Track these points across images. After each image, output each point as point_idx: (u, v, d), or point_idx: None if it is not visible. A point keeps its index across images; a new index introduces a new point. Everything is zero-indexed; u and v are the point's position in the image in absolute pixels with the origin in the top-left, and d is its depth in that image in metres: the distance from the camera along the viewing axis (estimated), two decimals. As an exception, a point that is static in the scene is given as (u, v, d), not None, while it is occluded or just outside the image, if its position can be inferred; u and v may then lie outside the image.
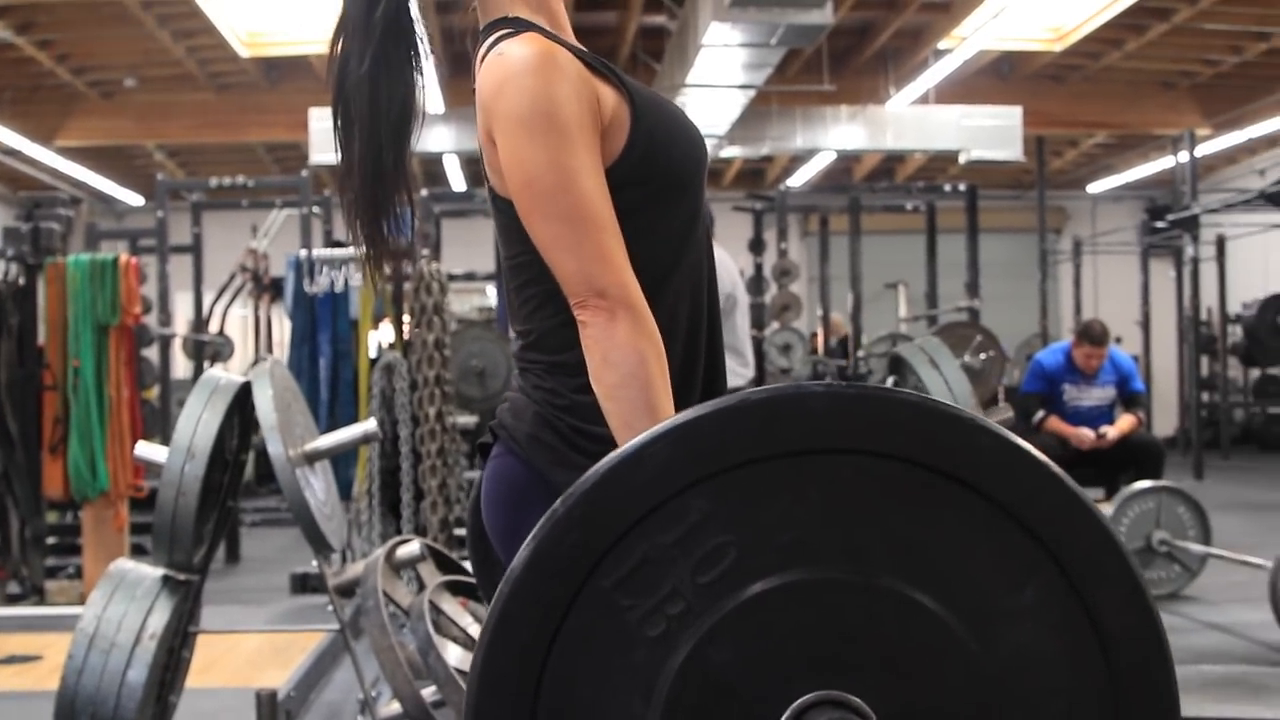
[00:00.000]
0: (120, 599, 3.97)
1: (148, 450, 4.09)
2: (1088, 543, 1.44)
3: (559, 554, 1.44)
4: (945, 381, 4.02)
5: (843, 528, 1.44)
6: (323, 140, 13.39)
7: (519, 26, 2.00)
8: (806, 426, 1.43)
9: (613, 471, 1.45)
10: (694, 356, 2.07)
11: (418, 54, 2.06)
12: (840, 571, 1.44)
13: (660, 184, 2.01)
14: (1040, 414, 8.49)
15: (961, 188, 11.93)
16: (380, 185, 2.03)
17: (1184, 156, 13.71)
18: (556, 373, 2.01)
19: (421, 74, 2.06)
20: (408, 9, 2.05)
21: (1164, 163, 16.15)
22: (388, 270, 2.13)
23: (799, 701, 1.44)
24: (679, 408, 1.88)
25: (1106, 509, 7.27)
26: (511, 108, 1.90)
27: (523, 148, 1.89)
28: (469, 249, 14.02)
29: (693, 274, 2.07)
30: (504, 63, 1.93)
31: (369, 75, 2.01)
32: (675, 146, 2.04)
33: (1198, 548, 6.99)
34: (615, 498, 1.45)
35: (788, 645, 1.45)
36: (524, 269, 2.03)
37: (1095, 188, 19.80)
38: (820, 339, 13.16)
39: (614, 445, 1.95)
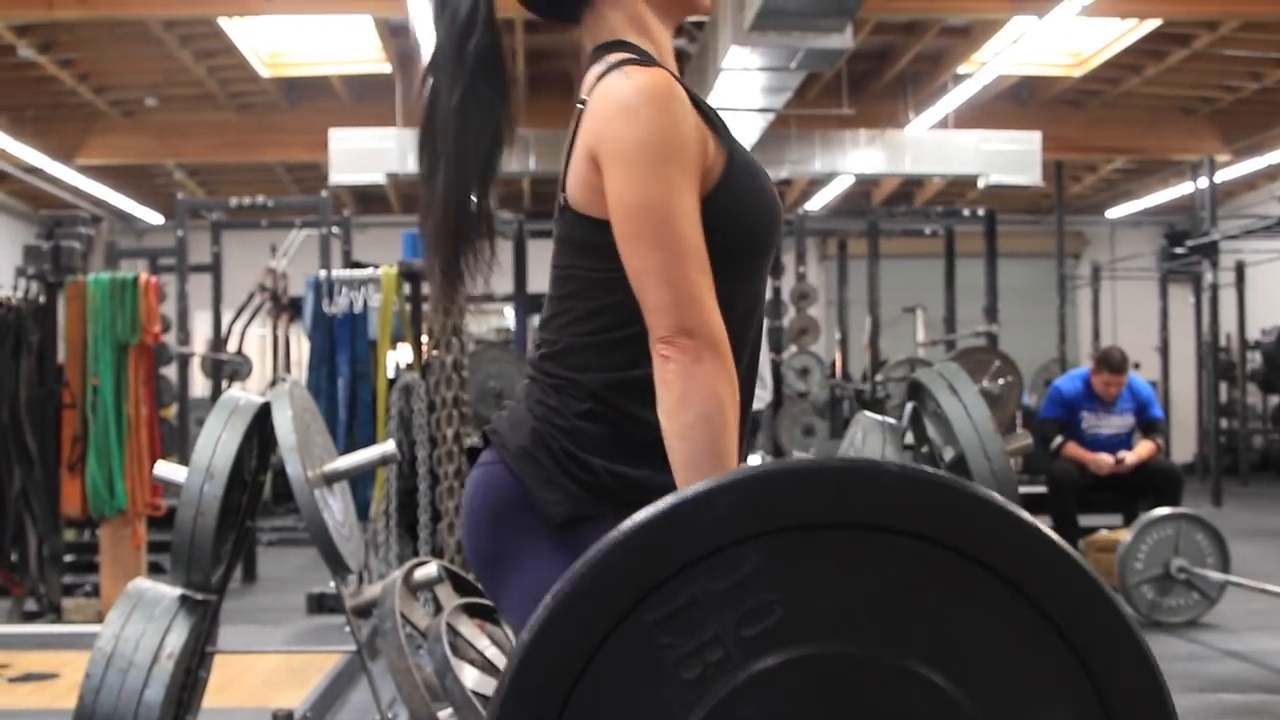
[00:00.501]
0: (138, 618, 3.98)
1: (167, 470, 4.10)
2: (1130, 677, 1.43)
3: (608, 579, 1.44)
4: (964, 408, 4.00)
5: (888, 608, 1.43)
6: (342, 160, 13.44)
7: (637, 53, 2.02)
8: (874, 502, 1.43)
9: (677, 510, 1.44)
10: (745, 398, 2.06)
11: (507, 89, 2.07)
12: (882, 652, 1.44)
13: (736, 239, 2.00)
14: (1059, 440, 8.48)
15: (980, 212, 11.93)
16: (462, 219, 2.05)
17: (1203, 182, 13.70)
18: (564, 392, 2.01)
19: (510, 109, 2.07)
20: (499, 45, 2.07)
21: (1183, 188, 16.13)
22: (461, 303, 2.17)
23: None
24: None
25: (1124, 536, 7.25)
26: (632, 134, 1.90)
27: (638, 174, 1.89)
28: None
29: (753, 328, 2.08)
30: (628, 87, 1.93)
31: (458, 109, 2.02)
32: (759, 208, 2.04)
33: (1216, 575, 6.97)
34: (674, 535, 1.44)
35: (816, 715, 1.44)
36: (573, 281, 2.03)
37: (1114, 213, 19.77)
38: (839, 363, 13.14)
39: (605, 475, 1.97)
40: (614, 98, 1.94)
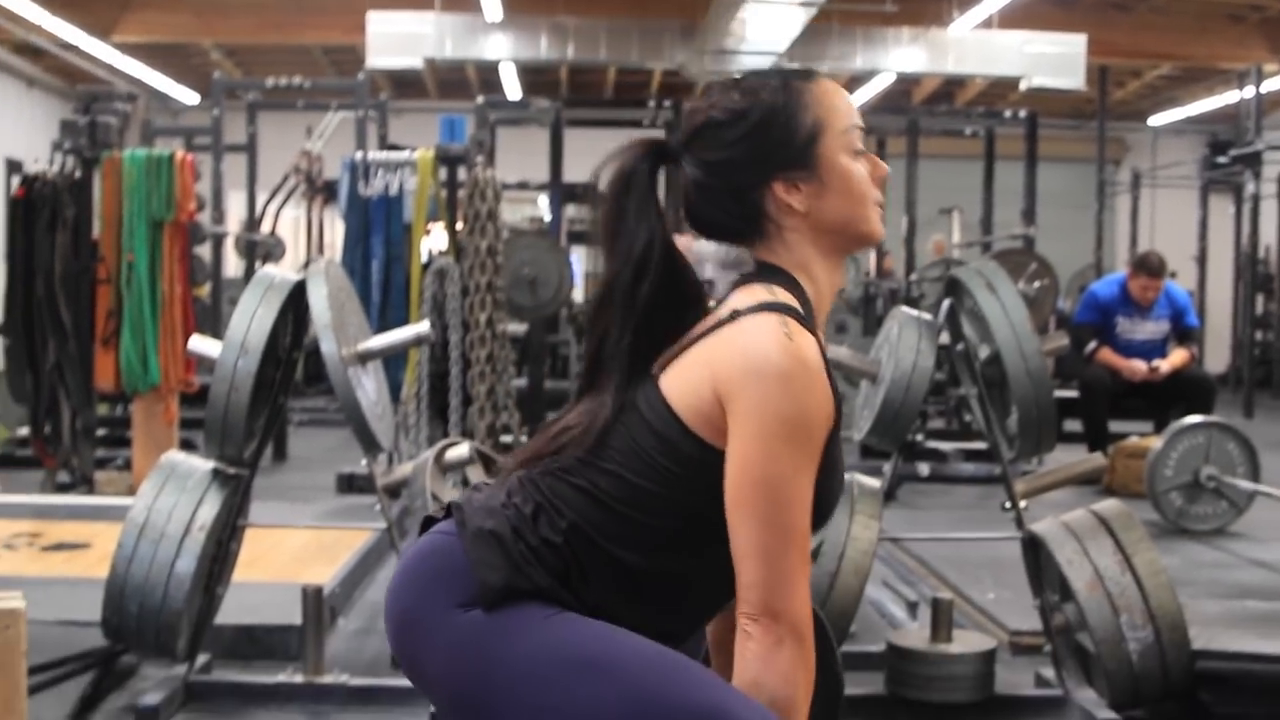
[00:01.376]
0: (171, 490, 4.01)
1: (202, 344, 4.11)
2: None
3: None
4: (1002, 306, 3.97)
5: None
6: (380, 43, 13.32)
7: (800, 299, 1.99)
8: None
9: None
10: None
11: (685, 322, 2.04)
12: None
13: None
14: (1092, 345, 8.43)
15: (1021, 114, 11.79)
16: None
17: (1249, 91, 13.50)
18: (543, 514, 1.97)
19: (685, 330, 2.04)
20: (679, 281, 2.04)
21: (1228, 97, 15.91)
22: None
23: None
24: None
25: (1155, 443, 7.23)
26: (779, 406, 1.87)
27: (775, 449, 1.87)
28: (523, 158, 13.93)
29: None
30: (788, 353, 1.89)
31: (629, 349, 2.02)
32: (830, 493, 2.02)
33: (1246, 484, 6.95)
34: None
35: None
36: (630, 448, 1.98)
37: (1157, 120, 19.54)
38: (874, 262, 13.08)
39: (546, 590, 1.92)
40: (765, 354, 1.89)
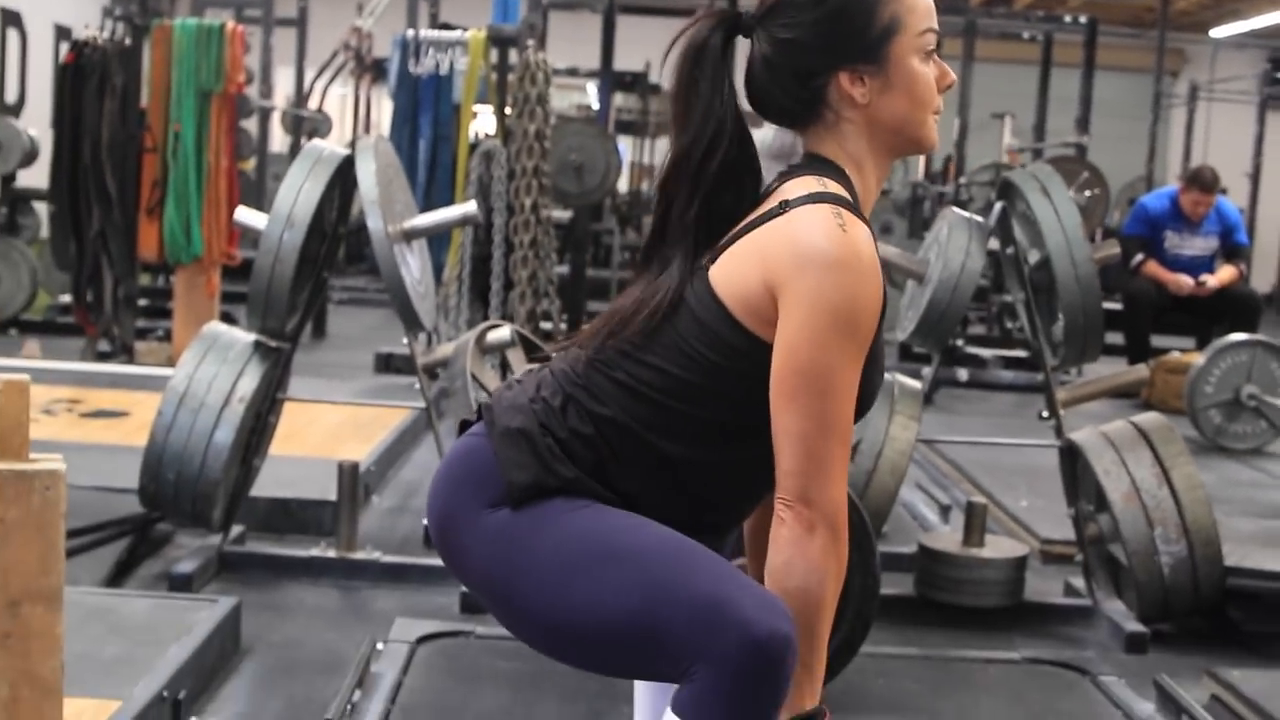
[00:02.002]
0: (212, 360, 4.02)
1: (248, 216, 4.11)
2: None
3: None
4: (1055, 211, 3.93)
5: None
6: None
7: (850, 191, 1.96)
8: None
9: None
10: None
11: (748, 195, 2.02)
12: None
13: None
14: (1139, 257, 8.35)
15: (1081, 20, 11.61)
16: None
17: (1316, 6, 13.28)
18: (573, 405, 1.97)
19: (749, 208, 2.01)
20: (746, 156, 2.02)
21: (1293, 11, 15.65)
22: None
23: None
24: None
25: (1197, 359, 7.18)
26: (829, 296, 1.85)
27: (823, 338, 1.85)
28: (573, 45, 13.81)
29: None
30: (839, 243, 1.86)
31: (694, 219, 2.00)
32: (876, 371, 2.00)
33: (1287, 404, 6.91)
34: None
35: None
36: (671, 341, 1.96)
37: (1219, 32, 19.23)
38: (924, 163, 12.97)
39: (574, 481, 1.93)
40: (818, 245, 1.87)
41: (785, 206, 1.92)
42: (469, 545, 1.98)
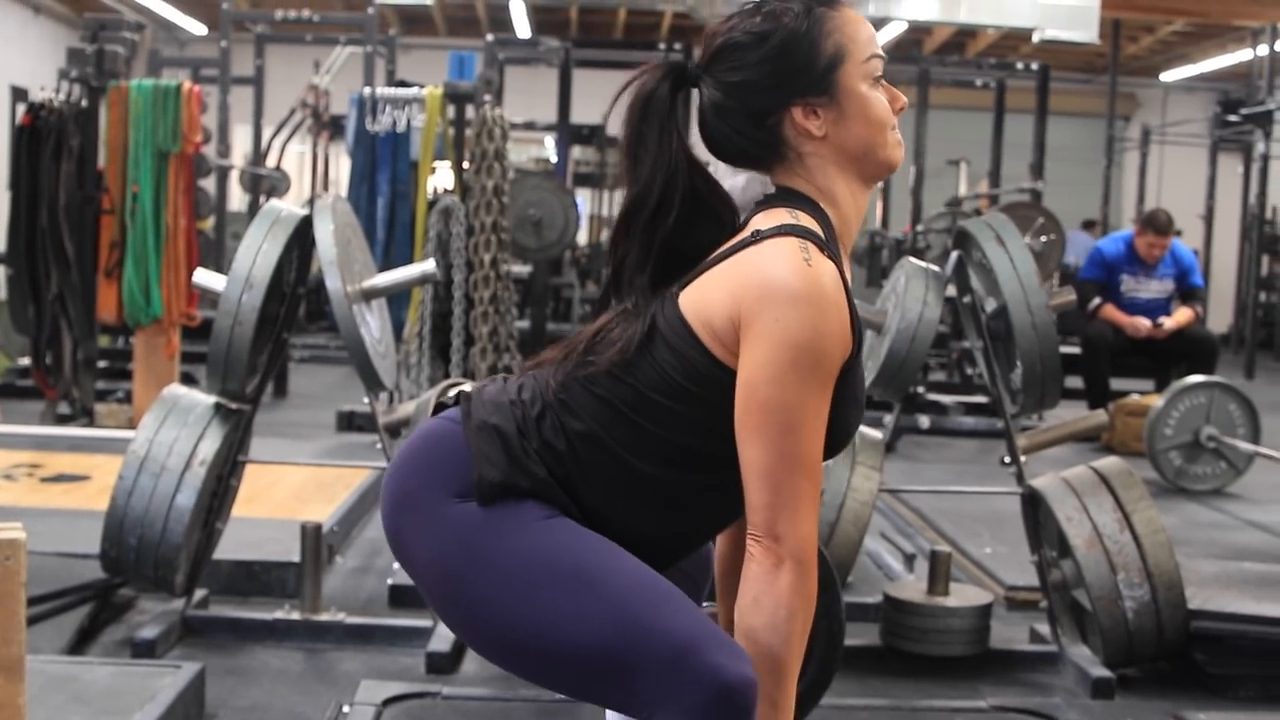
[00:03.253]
0: (172, 424, 4.00)
1: (206, 278, 4.09)
2: None
3: None
4: (1010, 259, 3.96)
5: None
6: (390, -21, 13.25)
7: (821, 222, 1.98)
8: None
9: None
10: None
11: (705, 249, 2.04)
12: None
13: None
14: (1096, 301, 8.42)
15: (1033, 67, 11.73)
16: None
17: (1263, 50, 13.46)
18: (550, 416, 1.99)
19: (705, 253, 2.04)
20: (701, 210, 2.05)
21: (1242, 55, 15.83)
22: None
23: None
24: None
25: (1156, 401, 7.23)
26: (790, 332, 1.87)
27: (783, 374, 1.87)
28: (530, 98, 13.88)
29: None
30: (804, 278, 1.88)
31: (650, 281, 2.04)
32: (849, 417, 2.02)
33: (1246, 446, 6.96)
34: None
35: None
36: (649, 362, 1.98)
37: (1169, 76, 19.44)
38: (879, 211, 13.04)
39: (544, 484, 1.95)
40: (784, 279, 1.88)
41: (756, 236, 1.95)
42: (424, 531, 1.97)
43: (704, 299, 1.96)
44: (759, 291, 1.89)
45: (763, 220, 1.98)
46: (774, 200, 2.03)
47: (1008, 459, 4.23)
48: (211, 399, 4.06)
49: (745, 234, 1.97)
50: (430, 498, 1.97)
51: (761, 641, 1.88)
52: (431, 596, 2.01)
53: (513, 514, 1.93)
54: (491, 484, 1.94)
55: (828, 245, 1.95)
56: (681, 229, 2.02)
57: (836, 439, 1.99)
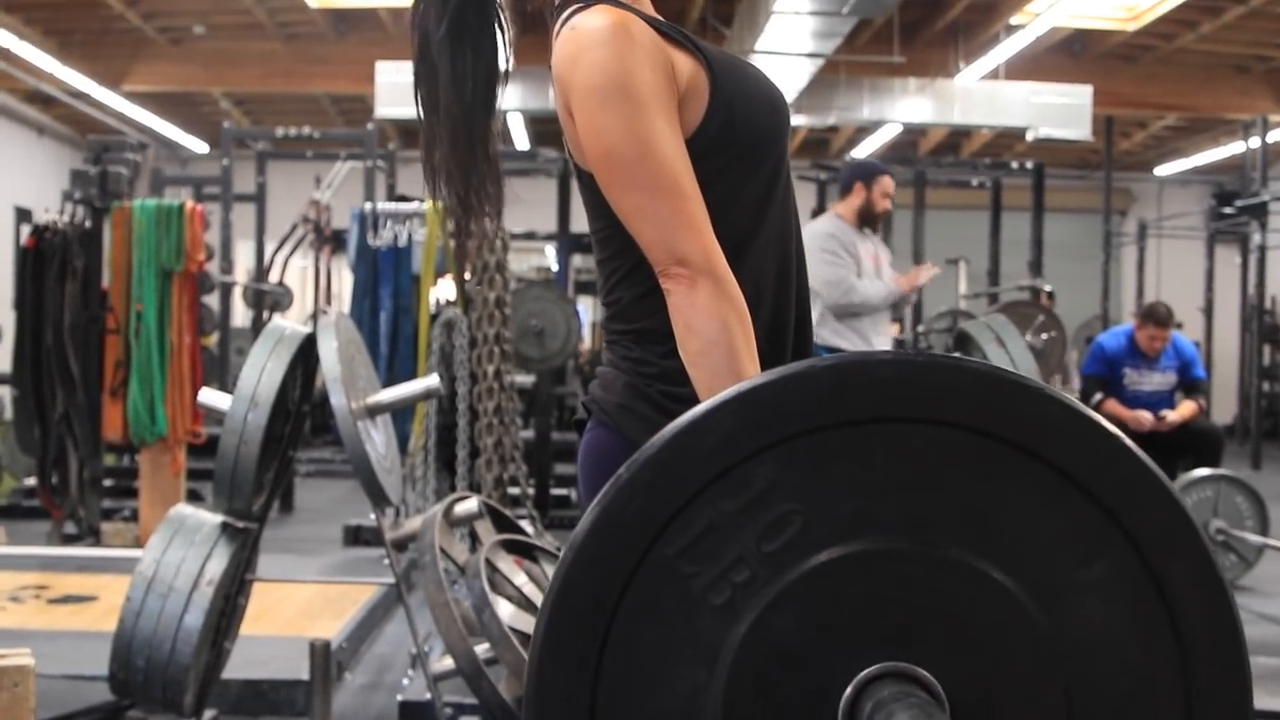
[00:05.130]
0: (179, 544, 4.00)
1: (211, 397, 4.12)
2: (1159, 517, 1.39)
3: (622, 520, 1.41)
4: (1011, 360, 3.98)
5: (909, 498, 1.40)
6: (389, 94, 13.39)
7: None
8: (873, 394, 1.40)
9: (677, 439, 1.42)
10: (782, 320, 2.06)
11: (497, 15, 2.04)
12: (906, 542, 1.40)
13: (741, 150, 1.99)
14: (1098, 396, 8.43)
15: (1028, 165, 11.83)
16: (467, 150, 2.02)
17: (1255, 142, 13.56)
18: (644, 340, 2.00)
19: (503, 34, 2.04)
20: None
21: (1234, 148, 15.97)
22: (473, 235, 2.12)
23: (864, 673, 1.40)
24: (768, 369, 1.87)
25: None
26: (585, 80, 1.89)
27: (598, 119, 1.88)
28: (529, 209, 13.94)
29: (779, 238, 2.07)
30: (577, 36, 1.91)
31: (448, 36, 2.00)
32: (755, 111, 2.02)
33: (1255, 538, 6.93)
34: (680, 464, 1.41)
35: (853, 616, 1.41)
36: (609, 242, 2.03)
37: (1163, 170, 19.60)
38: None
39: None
40: (566, 51, 1.92)
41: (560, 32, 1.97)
42: None
43: (568, 136, 2.00)
44: (559, 81, 1.93)
45: (562, 19, 2.00)
46: (556, 22, 2.03)
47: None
48: (218, 518, 4.06)
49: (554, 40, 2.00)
50: None
51: (710, 363, 1.84)
52: None
53: None
54: None
55: (594, 1, 1.96)
56: (461, 22, 2.01)
57: (757, 138, 2.01)
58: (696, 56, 1.97)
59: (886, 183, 6.84)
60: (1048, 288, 10.79)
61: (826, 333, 6.37)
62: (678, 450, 1.42)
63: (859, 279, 6.60)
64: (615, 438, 2.00)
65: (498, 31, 2.04)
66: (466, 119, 2.01)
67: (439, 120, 2.02)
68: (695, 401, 1.88)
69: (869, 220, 6.85)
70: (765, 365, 1.91)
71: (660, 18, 2.01)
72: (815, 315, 7.01)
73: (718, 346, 1.84)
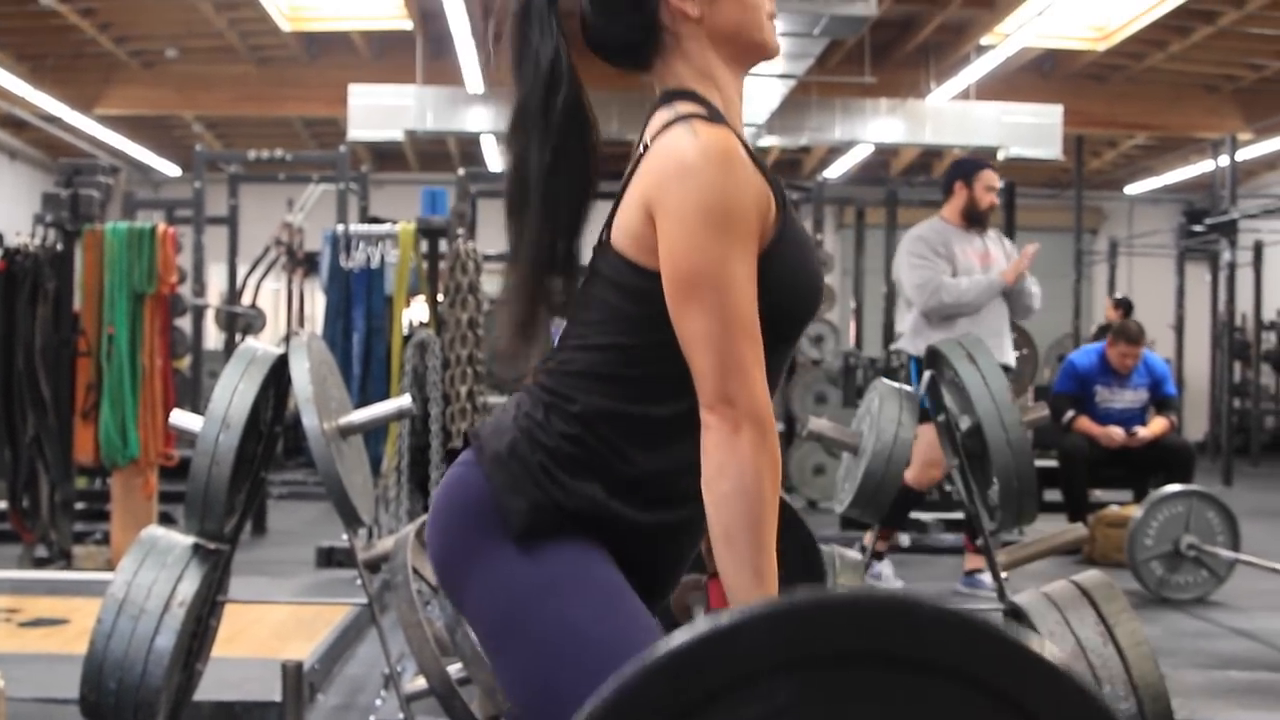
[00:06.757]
0: (151, 565, 3.99)
1: (183, 419, 4.10)
2: None
3: (641, 706, 1.36)
4: (982, 377, 3.99)
5: None
6: (361, 116, 13.42)
7: (704, 106, 2.00)
8: (912, 638, 1.35)
9: (708, 637, 1.36)
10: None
11: (593, 141, 2.06)
12: None
13: (777, 308, 1.98)
14: (1070, 414, 8.46)
15: (999, 185, 11.87)
16: (548, 273, 2.05)
17: (1224, 160, 13.64)
18: (554, 410, 2.00)
19: (596, 160, 2.06)
20: (583, 96, 2.06)
21: (1203, 166, 16.07)
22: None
23: None
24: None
25: (1135, 512, 7.24)
26: (696, 195, 1.89)
27: (697, 237, 1.88)
28: (502, 231, 13.98)
29: (775, 386, 2.05)
30: (693, 146, 1.91)
31: (550, 168, 2.01)
32: (804, 282, 2.03)
33: (1226, 553, 6.96)
34: (703, 663, 1.37)
35: None
36: (602, 310, 2.02)
37: (1133, 189, 19.70)
38: (853, 332, 13.13)
39: (575, 496, 1.95)
40: (676, 155, 1.92)
41: (648, 146, 1.98)
42: (470, 584, 1.98)
43: (626, 221, 1.98)
44: (659, 178, 1.92)
45: (650, 130, 2.01)
46: (653, 107, 2.06)
47: (988, 576, 4.23)
48: (190, 539, 4.05)
49: (639, 150, 2.01)
50: (467, 550, 1.98)
51: (735, 509, 1.85)
52: (481, 642, 2.04)
53: (546, 559, 1.94)
54: (519, 512, 1.94)
55: (714, 118, 1.98)
56: (572, 123, 2.03)
57: (796, 310, 2.01)
58: (778, 203, 1.98)
59: (988, 176, 6.82)
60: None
61: (921, 342, 6.20)
62: (706, 647, 1.36)
63: (951, 279, 6.53)
64: (481, 485, 2.00)
65: (594, 161, 2.07)
66: (553, 243, 2.05)
67: (525, 241, 2.06)
68: (572, 488, 1.93)
69: (975, 218, 6.83)
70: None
71: (749, 145, 2.02)
72: (908, 325, 6.98)
73: (746, 496, 1.86)
